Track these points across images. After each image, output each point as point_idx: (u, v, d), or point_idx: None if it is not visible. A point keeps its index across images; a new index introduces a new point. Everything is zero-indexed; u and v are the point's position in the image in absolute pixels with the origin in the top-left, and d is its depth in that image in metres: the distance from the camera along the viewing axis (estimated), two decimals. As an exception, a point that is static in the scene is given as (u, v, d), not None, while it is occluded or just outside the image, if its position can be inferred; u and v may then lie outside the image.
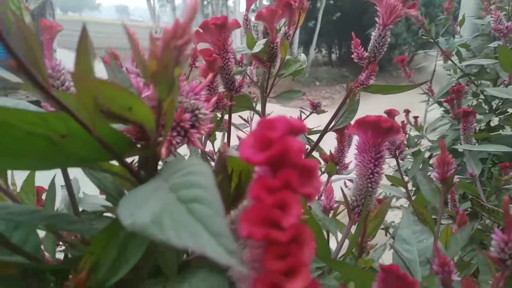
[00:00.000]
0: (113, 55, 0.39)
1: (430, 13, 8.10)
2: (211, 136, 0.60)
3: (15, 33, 0.17)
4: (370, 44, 0.48)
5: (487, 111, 1.21)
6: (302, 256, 0.13)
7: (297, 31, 0.61)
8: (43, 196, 0.38)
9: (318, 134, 0.59)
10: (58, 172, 0.28)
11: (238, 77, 0.52)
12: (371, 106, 1.19)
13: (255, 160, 0.14)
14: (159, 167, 0.23)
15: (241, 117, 0.77)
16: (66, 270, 0.26)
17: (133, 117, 0.19)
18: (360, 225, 0.35)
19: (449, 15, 1.44)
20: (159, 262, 0.23)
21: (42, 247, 0.27)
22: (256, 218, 0.13)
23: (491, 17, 0.97)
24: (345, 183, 0.71)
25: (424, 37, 1.36)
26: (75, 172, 0.30)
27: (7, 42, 0.15)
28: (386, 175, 0.84)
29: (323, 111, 0.76)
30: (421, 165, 1.18)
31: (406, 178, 0.93)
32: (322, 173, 0.65)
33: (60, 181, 0.32)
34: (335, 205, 0.49)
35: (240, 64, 0.61)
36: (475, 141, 0.98)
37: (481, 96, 1.22)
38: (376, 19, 0.46)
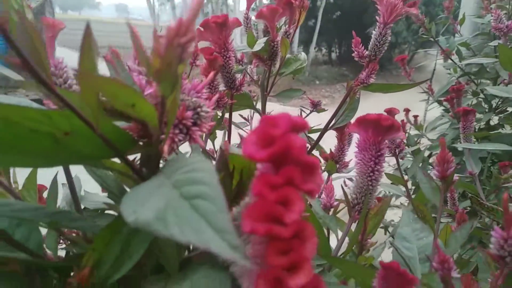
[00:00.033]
0: (115, 53, 0.39)
1: (430, 12, 8.08)
2: (211, 135, 0.60)
3: (19, 31, 0.17)
4: (370, 43, 0.48)
5: (487, 110, 1.21)
6: (305, 251, 0.13)
7: (297, 30, 0.61)
8: (44, 194, 0.38)
9: (318, 133, 0.59)
10: (59, 170, 0.28)
11: (239, 76, 0.52)
12: (371, 104, 1.19)
13: (258, 157, 0.14)
14: (160, 165, 0.23)
15: (241, 115, 0.77)
16: (68, 267, 0.26)
17: (137, 114, 0.19)
18: (361, 223, 0.36)
19: (449, 14, 1.44)
20: (160, 260, 0.23)
21: (44, 245, 0.27)
22: (259, 214, 0.13)
23: (492, 16, 0.97)
24: (344, 182, 0.71)
25: (424, 36, 1.36)
26: (76, 171, 0.30)
27: (12, 40, 0.15)
28: (386, 174, 0.84)
29: (323, 110, 0.76)
30: (421, 164, 1.18)
31: (405, 177, 0.93)
32: (322, 171, 0.65)
33: (61, 179, 0.32)
34: (336, 203, 0.50)
35: (241, 62, 0.62)
36: (474, 139, 0.99)
37: (481, 95, 1.23)
38: (377, 17, 0.46)
